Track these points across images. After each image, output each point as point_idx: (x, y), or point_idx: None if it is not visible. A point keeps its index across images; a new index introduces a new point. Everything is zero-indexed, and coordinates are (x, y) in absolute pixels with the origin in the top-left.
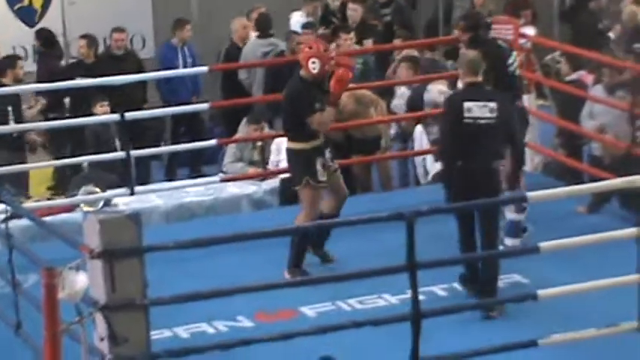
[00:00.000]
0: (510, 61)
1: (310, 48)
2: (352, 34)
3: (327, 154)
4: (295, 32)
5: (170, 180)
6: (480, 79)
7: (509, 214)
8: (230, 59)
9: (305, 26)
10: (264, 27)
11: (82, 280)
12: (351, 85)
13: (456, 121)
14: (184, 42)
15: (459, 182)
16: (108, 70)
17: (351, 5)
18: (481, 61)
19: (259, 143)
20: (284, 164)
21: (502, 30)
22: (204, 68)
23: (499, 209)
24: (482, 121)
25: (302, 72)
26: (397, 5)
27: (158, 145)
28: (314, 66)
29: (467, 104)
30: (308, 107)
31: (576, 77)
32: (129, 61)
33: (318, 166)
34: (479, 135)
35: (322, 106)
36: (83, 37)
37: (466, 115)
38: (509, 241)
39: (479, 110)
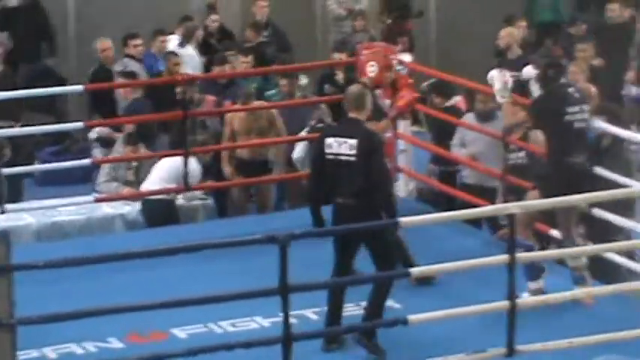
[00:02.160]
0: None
1: (373, 52)
2: (250, 58)
3: None
4: (173, 53)
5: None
6: (360, 115)
7: None
8: (98, 79)
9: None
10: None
11: None
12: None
13: (319, 156)
14: None
15: (332, 216)
16: None
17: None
18: (365, 96)
19: (134, 164)
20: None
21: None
22: (80, 87)
23: (381, 240)
24: (343, 158)
25: (361, 78)
26: (274, 28)
27: (31, 163)
28: (372, 69)
29: (328, 140)
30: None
31: (453, 103)
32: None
33: None
34: (339, 171)
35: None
36: None
37: (327, 150)
38: (532, 285)
39: (338, 147)
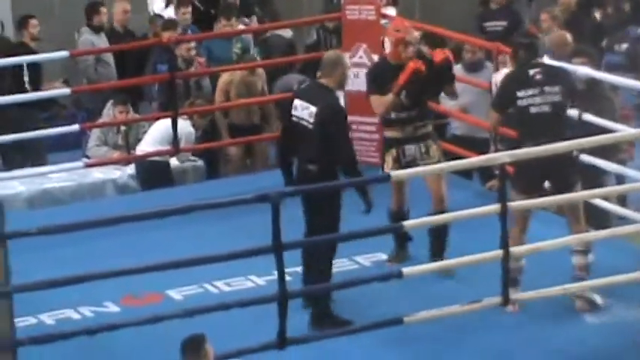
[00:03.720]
0: None
1: (397, 30)
2: (189, 9)
3: (412, 150)
4: (159, 15)
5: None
6: (329, 82)
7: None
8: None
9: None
10: None
11: None
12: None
13: (287, 116)
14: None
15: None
16: None
17: None
18: (338, 63)
19: (123, 128)
20: (150, 148)
21: (363, 11)
22: (65, 53)
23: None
24: (303, 123)
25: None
26: None
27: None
28: (386, 46)
29: (295, 102)
30: (379, 87)
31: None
32: None
33: (388, 157)
34: (300, 135)
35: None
36: None
37: (293, 112)
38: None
39: (301, 111)
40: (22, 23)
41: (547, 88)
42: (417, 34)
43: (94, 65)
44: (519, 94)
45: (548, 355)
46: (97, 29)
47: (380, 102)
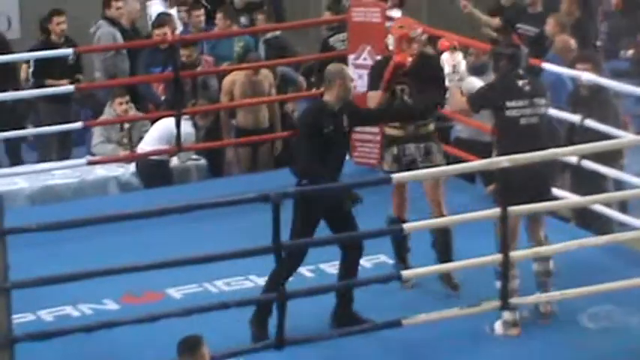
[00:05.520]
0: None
1: (401, 27)
2: (202, 11)
3: (411, 149)
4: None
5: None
6: (327, 94)
7: None
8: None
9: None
10: None
11: None
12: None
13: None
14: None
15: None
16: None
17: None
18: (334, 77)
19: (127, 125)
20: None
21: (369, 13)
22: (70, 50)
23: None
24: None
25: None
26: None
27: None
28: (389, 42)
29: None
30: (377, 84)
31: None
32: None
33: (387, 156)
34: None
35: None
36: None
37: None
38: (506, 315)
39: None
40: (47, 19)
41: (535, 100)
42: (420, 30)
43: (114, 58)
44: (509, 104)
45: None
46: (113, 22)
47: (370, 97)
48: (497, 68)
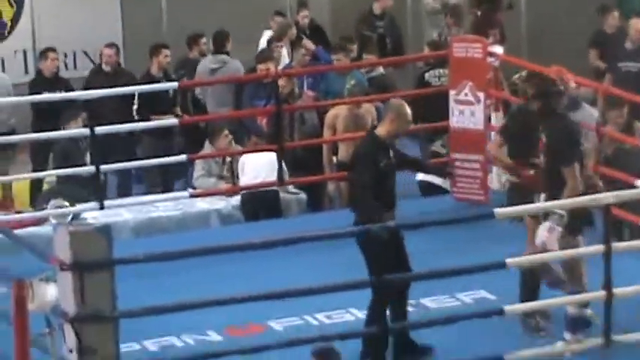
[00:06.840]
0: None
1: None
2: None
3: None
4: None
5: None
6: (380, 127)
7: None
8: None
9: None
10: (217, 43)
11: (51, 292)
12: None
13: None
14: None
15: None
16: (99, 85)
17: None
18: (392, 112)
19: (228, 159)
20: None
21: (470, 48)
22: (174, 84)
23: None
24: None
25: None
26: (390, 18)
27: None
28: None
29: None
30: None
31: None
32: (121, 77)
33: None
34: None
35: None
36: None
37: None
38: (567, 336)
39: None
40: (153, 52)
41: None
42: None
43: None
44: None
45: None
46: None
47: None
48: (548, 108)
